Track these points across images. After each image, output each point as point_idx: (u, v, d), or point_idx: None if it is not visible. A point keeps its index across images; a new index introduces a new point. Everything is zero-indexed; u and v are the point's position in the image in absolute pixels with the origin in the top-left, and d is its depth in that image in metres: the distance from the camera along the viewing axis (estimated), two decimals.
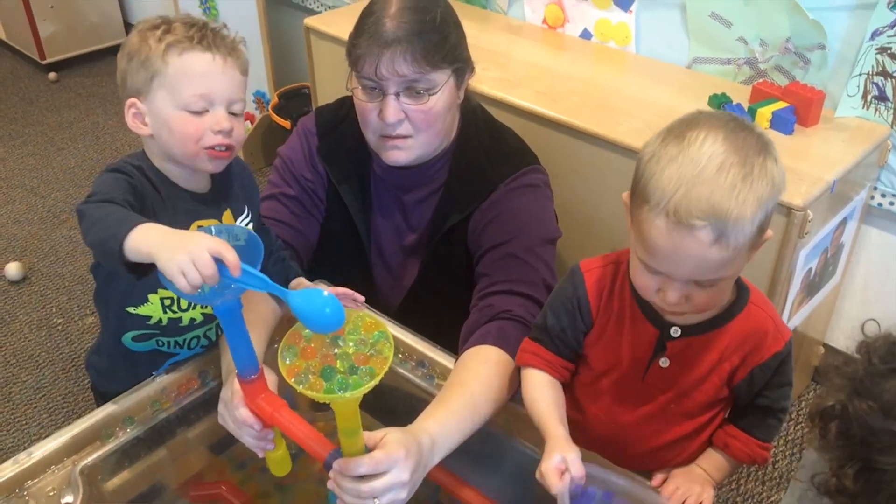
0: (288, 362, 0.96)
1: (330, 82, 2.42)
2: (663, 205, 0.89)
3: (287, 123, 2.92)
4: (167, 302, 1.23)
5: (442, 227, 1.39)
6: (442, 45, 1.27)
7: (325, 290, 0.93)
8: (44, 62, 3.96)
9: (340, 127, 1.44)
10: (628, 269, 1.05)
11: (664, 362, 1.07)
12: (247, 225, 1.28)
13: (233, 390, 1.10)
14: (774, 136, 1.71)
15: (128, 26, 4.21)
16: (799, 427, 2.08)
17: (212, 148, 1.13)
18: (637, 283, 1.02)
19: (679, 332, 1.05)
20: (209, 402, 1.26)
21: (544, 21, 2.33)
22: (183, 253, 0.88)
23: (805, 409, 2.13)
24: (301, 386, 0.93)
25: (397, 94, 1.28)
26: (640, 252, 0.96)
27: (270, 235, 1.34)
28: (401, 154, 1.34)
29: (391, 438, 0.96)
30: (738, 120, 0.93)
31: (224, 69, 1.13)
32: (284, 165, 1.46)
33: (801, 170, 1.62)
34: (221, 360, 1.23)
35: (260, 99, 3.21)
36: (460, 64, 1.32)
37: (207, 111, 1.12)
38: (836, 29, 1.77)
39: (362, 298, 1.20)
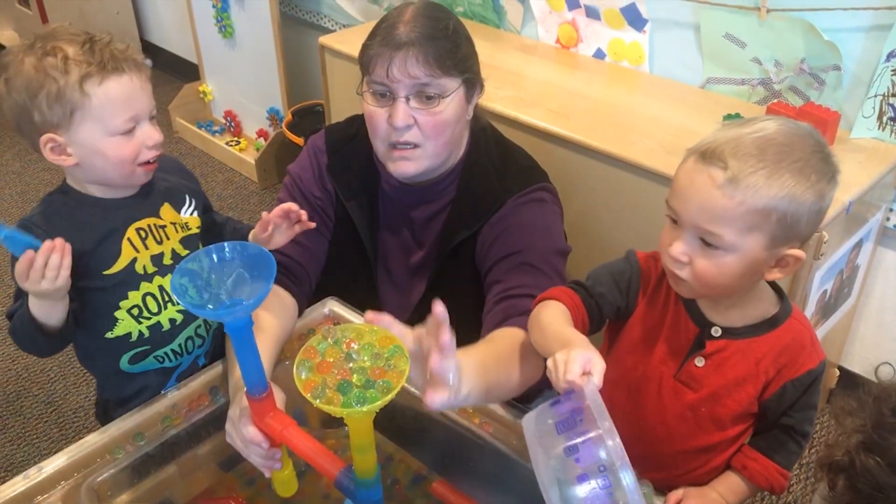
0: (304, 377, 0.95)
1: (344, 100, 2.43)
2: (701, 148, 0.96)
3: (300, 140, 2.93)
4: (135, 312, 1.25)
5: (450, 243, 1.39)
6: (454, 52, 1.29)
7: None
8: None
9: (350, 145, 1.45)
10: None
11: (699, 361, 1.07)
12: (192, 213, 1.33)
13: (241, 408, 1.10)
14: None
15: (144, 42, 4.25)
16: (813, 451, 2.06)
17: (146, 162, 1.20)
18: (661, 243, 1.04)
19: (720, 333, 1.06)
20: (219, 419, 1.25)
21: (558, 41, 2.34)
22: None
23: (821, 433, 2.10)
24: (318, 400, 0.92)
25: (407, 99, 1.28)
26: (669, 197, 1.00)
27: (221, 219, 1.41)
28: (409, 165, 1.33)
29: None
30: (818, 137, 0.97)
31: (141, 85, 1.17)
32: (294, 183, 1.47)
33: None
34: (229, 378, 1.23)
35: (274, 116, 3.23)
36: (470, 75, 1.33)
37: (135, 128, 1.17)
38: (852, 50, 1.77)
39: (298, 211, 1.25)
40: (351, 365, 0.96)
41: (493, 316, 1.26)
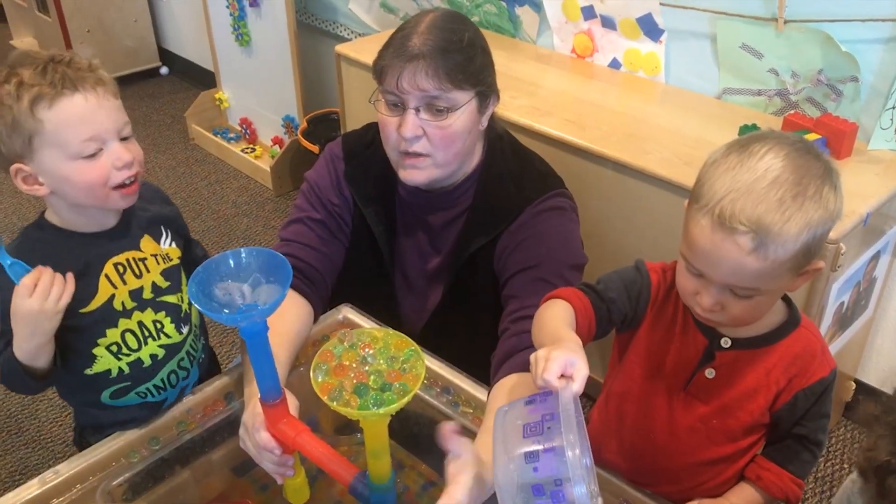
0: (320, 380, 0.96)
1: (359, 108, 2.44)
2: (711, 205, 0.91)
3: (315, 148, 2.95)
4: (114, 349, 1.21)
5: (467, 250, 1.39)
6: (466, 65, 1.28)
7: None
8: None
9: (367, 151, 1.45)
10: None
11: (710, 373, 1.07)
12: (171, 244, 1.27)
13: (254, 414, 1.10)
14: None
15: (161, 51, 4.29)
16: (829, 464, 2.04)
17: (121, 185, 1.12)
18: (678, 282, 1.02)
19: (729, 344, 1.05)
20: (233, 424, 1.26)
21: (573, 50, 2.34)
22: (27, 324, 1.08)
23: (837, 446, 2.08)
24: (335, 403, 0.93)
25: (417, 110, 1.28)
26: (684, 249, 0.98)
27: (201, 254, 1.36)
28: (417, 174, 1.34)
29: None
30: (807, 144, 0.94)
31: (100, 103, 1.08)
32: (311, 190, 1.47)
33: None
34: (244, 383, 1.24)
35: (289, 123, 3.25)
36: (484, 88, 1.32)
37: (101, 149, 1.10)
38: (870, 61, 1.76)
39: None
40: (367, 368, 0.97)
41: (505, 339, 1.25)
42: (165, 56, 4.32)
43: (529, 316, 1.22)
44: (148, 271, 1.23)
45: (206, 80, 3.87)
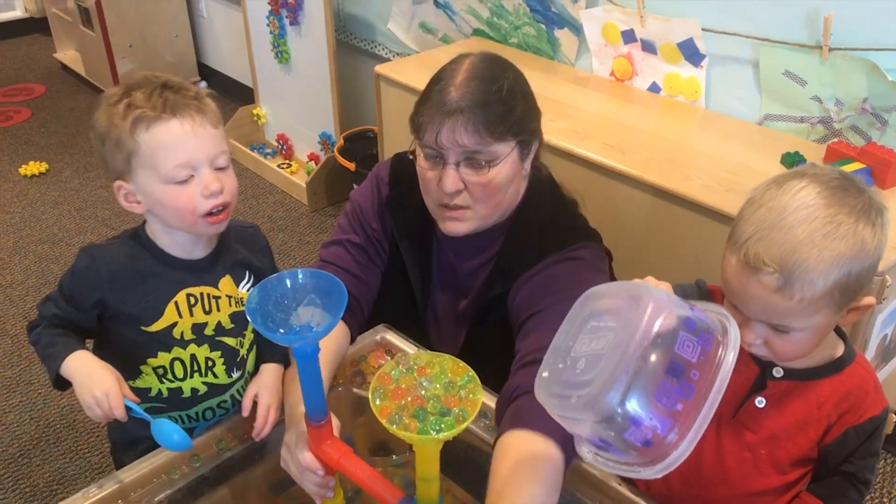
0: (378, 403, 0.96)
1: (397, 127, 2.46)
2: (739, 244, 0.92)
3: (352, 165, 2.97)
4: (160, 371, 1.23)
5: (486, 296, 1.36)
6: (506, 116, 1.23)
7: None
8: None
9: (411, 182, 1.41)
10: None
11: (760, 402, 1.06)
12: (249, 290, 1.26)
13: (297, 434, 1.10)
14: None
15: (201, 66, 4.36)
16: (869, 499, 2.00)
17: (209, 213, 1.14)
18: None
19: (781, 374, 1.04)
20: (272, 443, 1.27)
21: (612, 73, 2.34)
22: (88, 396, 1.09)
23: (878, 480, 2.04)
24: (394, 426, 0.93)
25: (457, 164, 1.24)
26: (722, 284, 0.98)
27: None
28: (459, 226, 1.31)
29: None
30: (848, 179, 0.93)
31: (195, 130, 1.10)
32: (354, 212, 1.46)
33: None
34: (285, 404, 1.24)
35: (325, 140, 3.28)
36: (525, 136, 1.28)
37: (193, 176, 1.12)
38: None
39: None
40: (423, 392, 0.97)
41: (507, 387, 1.21)
42: (204, 71, 4.39)
43: (532, 362, 1.18)
44: (218, 310, 1.24)
45: (244, 95, 3.92)
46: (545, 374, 0.84)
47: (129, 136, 1.09)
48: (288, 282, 0.98)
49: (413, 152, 1.32)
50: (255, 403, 1.24)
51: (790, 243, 0.88)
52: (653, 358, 0.74)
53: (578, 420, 0.78)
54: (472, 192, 1.27)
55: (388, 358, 1.42)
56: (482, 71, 1.25)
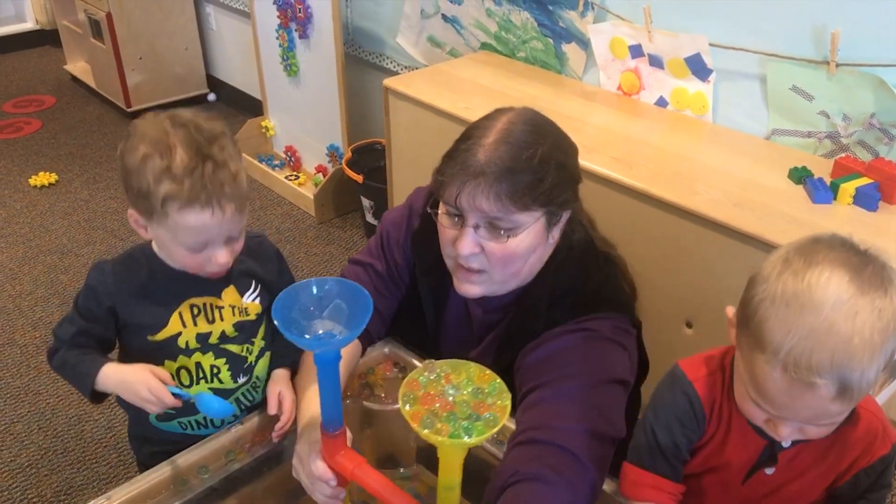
0: (409, 408, 0.97)
1: (405, 141, 2.48)
2: (781, 356, 0.84)
3: (359, 178, 2.98)
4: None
5: (497, 363, 1.28)
6: (534, 187, 1.14)
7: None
8: (129, 110, 4.14)
9: None
10: (731, 378, 1.02)
11: (770, 471, 1.05)
12: (255, 299, 1.30)
13: (310, 443, 1.11)
14: (858, 213, 1.69)
15: (210, 79, 4.39)
16: None
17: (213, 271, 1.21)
18: (744, 410, 0.98)
19: (789, 443, 1.02)
20: (281, 454, 1.27)
21: (619, 87, 2.35)
22: (138, 399, 1.17)
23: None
24: (426, 430, 0.94)
25: (476, 227, 1.17)
26: (752, 392, 0.92)
27: None
28: (472, 288, 1.24)
29: None
30: (856, 249, 0.88)
31: (222, 221, 1.12)
32: (383, 237, 1.42)
33: (886, 248, 1.57)
34: (298, 413, 1.25)
35: (333, 153, 3.30)
36: (554, 207, 1.18)
37: (206, 247, 1.16)
38: None
39: None
40: (452, 398, 0.98)
41: (502, 470, 1.12)
42: (213, 83, 4.41)
43: (528, 441, 1.11)
44: (221, 319, 1.27)
45: (252, 107, 3.94)
46: None
47: (159, 203, 1.10)
48: (314, 289, 1.00)
49: (436, 203, 1.25)
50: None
51: (841, 347, 0.82)
52: None
53: None
54: (489, 257, 1.20)
55: (396, 370, 1.42)
56: (514, 136, 1.16)
